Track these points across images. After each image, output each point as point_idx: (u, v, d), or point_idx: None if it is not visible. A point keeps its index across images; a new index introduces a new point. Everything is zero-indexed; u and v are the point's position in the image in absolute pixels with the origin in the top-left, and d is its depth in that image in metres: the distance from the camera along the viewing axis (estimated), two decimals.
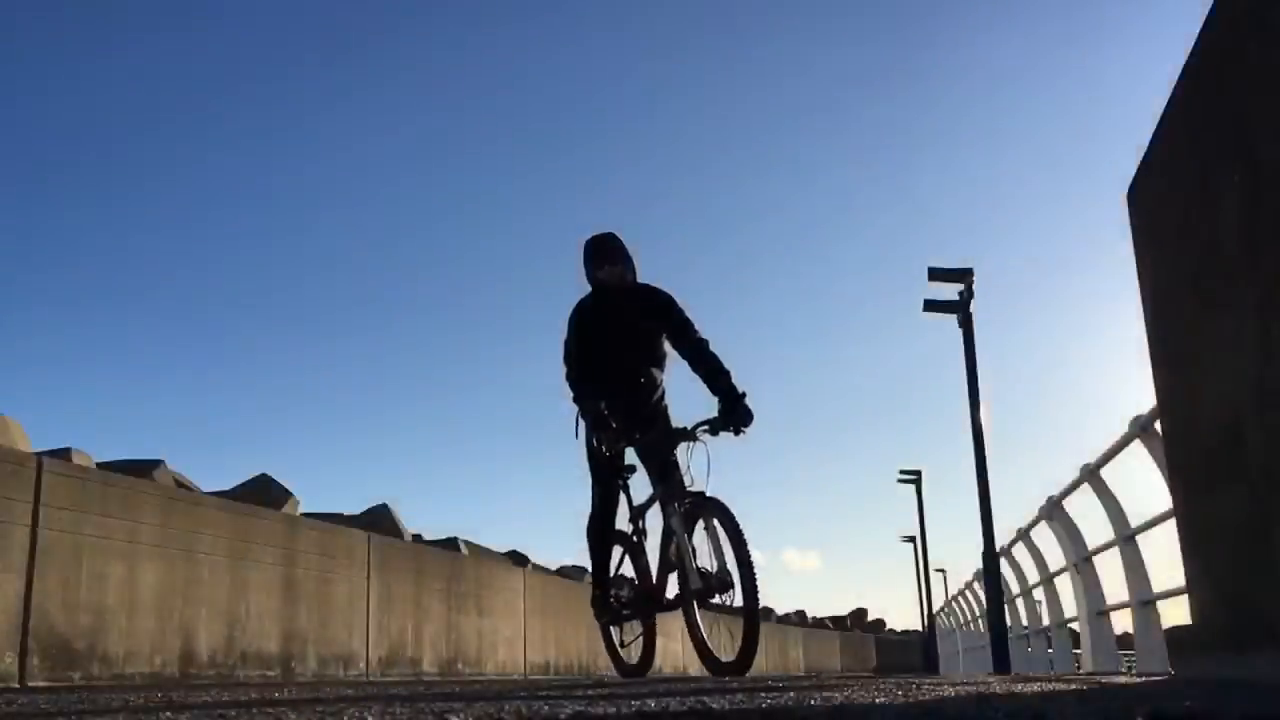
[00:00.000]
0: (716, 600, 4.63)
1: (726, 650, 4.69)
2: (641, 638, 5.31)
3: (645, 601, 5.15)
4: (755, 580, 4.45)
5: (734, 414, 4.86)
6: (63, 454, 7.08)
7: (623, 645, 5.46)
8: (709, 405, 4.98)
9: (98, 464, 7.65)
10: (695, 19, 57.42)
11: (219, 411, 43.11)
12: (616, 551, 5.30)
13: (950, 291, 14.15)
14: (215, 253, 45.57)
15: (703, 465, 4.80)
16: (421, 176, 52.09)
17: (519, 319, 52.77)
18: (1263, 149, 2.34)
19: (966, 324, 13.89)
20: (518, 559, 13.95)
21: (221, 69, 46.95)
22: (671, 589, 4.98)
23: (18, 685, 4.48)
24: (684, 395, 5.28)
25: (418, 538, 11.54)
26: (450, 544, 11.82)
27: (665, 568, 4.96)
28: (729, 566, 4.54)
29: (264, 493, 8.95)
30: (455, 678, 7.92)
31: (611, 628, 5.49)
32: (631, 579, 5.26)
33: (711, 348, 5.05)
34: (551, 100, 56.33)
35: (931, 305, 14.33)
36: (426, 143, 51.90)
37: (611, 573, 5.31)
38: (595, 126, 58.59)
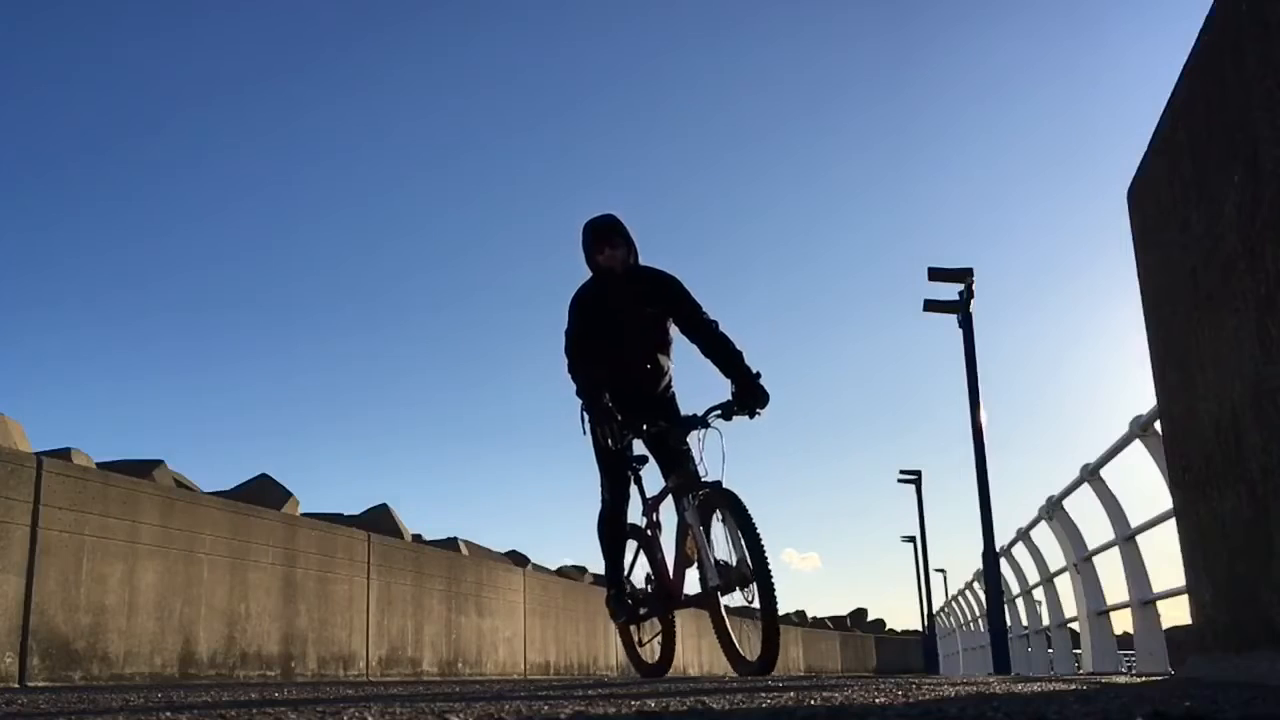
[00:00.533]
0: (737, 594, 4.44)
1: (741, 645, 4.59)
2: (660, 636, 5.18)
3: (663, 598, 4.96)
4: (770, 575, 4.27)
5: (749, 395, 4.66)
6: (63, 454, 7.08)
7: (641, 644, 5.32)
8: (714, 388, 4.82)
9: (98, 464, 7.65)
10: (695, 18, 57.46)
11: (219, 411, 43.14)
12: (630, 547, 5.10)
13: (950, 291, 14.18)
14: (215, 253, 45.60)
15: (717, 453, 4.59)
16: (421, 176, 52.12)
17: (519, 319, 52.79)
18: (1263, 149, 2.34)
19: (966, 324, 13.91)
20: (518, 559, 13.97)
21: (221, 69, 46.99)
22: (689, 585, 4.81)
23: (17, 685, 4.48)
24: (689, 380, 5.16)
25: (418, 538, 11.55)
26: (450, 544, 11.83)
27: (682, 563, 4.77)
28: (748, 560, 4.34)
29: (264, 493, 8.96)
30: (455, 678, 7.92)
31: (630, 627, 5.30)
32: (646, 575, 5.10)
33: (722, 328, 4.83)
34: (552, 99, 56.40)
35: (931, 305, 14.35)
36: (426, 142, 51.95)
37: (626, 569, 5.12)
38: (595, 126, 58.64)
